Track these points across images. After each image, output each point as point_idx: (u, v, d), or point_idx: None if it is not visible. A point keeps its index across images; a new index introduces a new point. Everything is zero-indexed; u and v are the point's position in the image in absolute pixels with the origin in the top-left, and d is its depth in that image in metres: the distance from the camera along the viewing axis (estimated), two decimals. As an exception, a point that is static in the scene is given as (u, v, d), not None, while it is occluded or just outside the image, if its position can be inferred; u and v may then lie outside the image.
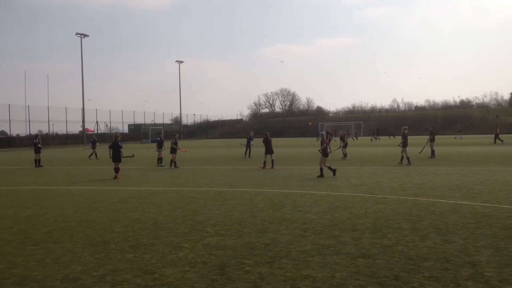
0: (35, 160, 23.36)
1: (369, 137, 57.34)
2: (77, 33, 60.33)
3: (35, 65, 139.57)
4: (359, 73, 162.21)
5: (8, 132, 57.18)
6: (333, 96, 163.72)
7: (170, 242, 6.72)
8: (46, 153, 29.41)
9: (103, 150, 26.54)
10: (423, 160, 21.12)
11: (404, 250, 5.97)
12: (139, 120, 79.35)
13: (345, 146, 24.40)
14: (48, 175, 18.77)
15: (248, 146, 27.17)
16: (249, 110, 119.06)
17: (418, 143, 30.61)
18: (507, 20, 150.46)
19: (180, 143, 23.97)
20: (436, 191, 11.27)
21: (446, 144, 37.70)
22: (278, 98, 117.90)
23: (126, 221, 8.35)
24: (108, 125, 72.20)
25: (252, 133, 28.63)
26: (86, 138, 58.67)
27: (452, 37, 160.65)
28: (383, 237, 6.72)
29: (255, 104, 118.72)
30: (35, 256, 6.14)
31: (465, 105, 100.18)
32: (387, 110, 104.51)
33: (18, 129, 58.98)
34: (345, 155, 23.98)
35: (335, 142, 36.16)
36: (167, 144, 22.47)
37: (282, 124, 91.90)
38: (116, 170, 16.77)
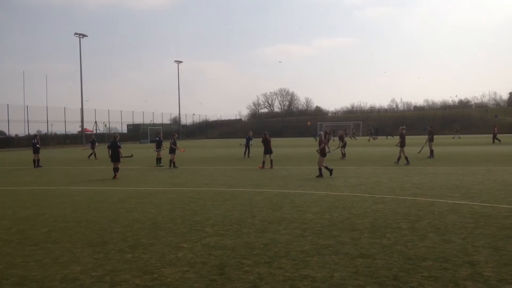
0: (34, 161, 23.32)
1: (367, 137, 57.36)
2: (75, 33, 60.36)
3: (34, 65, 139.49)
4: (358, 73, 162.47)
5: (6, 132, 57.16)
6: (332, 96, 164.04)
7: (169, 242, 6.72)
8: (45, 153, 29.41)
9: (102, 150, 26.52)
10: (422, 160, 21.14)
11: (403, 250, 5.98)
12: (138, 120, 79.40)
13: (344, 146, 24.41)
14: (47, 175, 18.75)
15: (247, 146, 27.19)
16: (248, 110, 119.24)
17: (417, 143, 30.65)
18: (505, 20, 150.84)
19: (179, 143, 23.96)
20: (435, 191, 11.29)
21: (444, 144, 37.73)
22: (277, 98, 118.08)
23: (125, 221, 8.35)
24: (107, 125, 72.20)
25: (251, 133, 28.63)
26: (85, 138, 58.63)
27: (451, 37, 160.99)
28: (382, 237, 6.73)
29: (254, 104, 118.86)
30: (34, 257, 6.13)
31: (463, 105, 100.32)
32: (386, 110, 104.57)
33: (17, 129, 59.08)
34: (343, 155, 24.00)
35: (334, 142, 36.20)
36: (166, 144, 22.46)
37: (281, 124, 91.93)
38: (115, 170, 16.76)
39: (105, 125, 71.69)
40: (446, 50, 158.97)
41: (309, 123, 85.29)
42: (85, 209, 9.88)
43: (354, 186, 12.56)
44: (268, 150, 19.43)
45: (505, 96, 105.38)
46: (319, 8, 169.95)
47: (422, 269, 5.18)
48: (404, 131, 20.00)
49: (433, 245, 6.21)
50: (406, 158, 19.21)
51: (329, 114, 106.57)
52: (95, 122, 68.44)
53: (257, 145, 27.02)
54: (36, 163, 23.18)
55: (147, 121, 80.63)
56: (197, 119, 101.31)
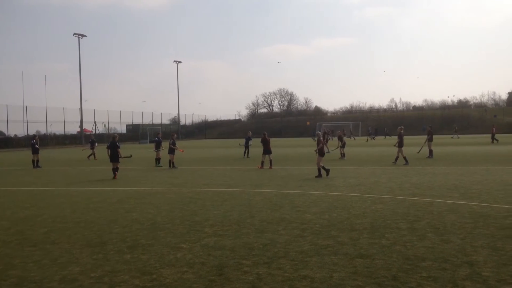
0: (33, 161, 23.30)
1: (365, 137, 57.41)
2: (74, 33, 60.35)
3: (33, 66, 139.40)
4: (357, 73, 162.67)
5: (6, 132, 57.08)
6: (331, 96, 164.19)
7: (168, 242, 6.72)
8: (44, 154, 29.39)
9: (102, 151, 26.51)
10: (421, 160, 21.15)
11: (402, 250, 5.98)
12: (137, 120, 79.39)
13: (343, 146, 24.42)
14: (46, 175, 18.74)
15: (246, 146, 27.18)
16: (247, 110, 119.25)
17: (416, 143, 30.67)
18: (505, 20, 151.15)
19: (178, 143, 23.95)
20: (434, 191, 11.29)
21: (444, 144, 37.77)
22: (276, 98, 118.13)
23: (124, 222, 8.34)
24: (106, 126, 72.17)
25: (251, 133, 28.64)
26: (84, 139, 58.59)
27: (450, 37, 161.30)
28: (381, 237, 6.73)
29: (253, 104, 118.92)
30: (33, 257, 6.12)
31: (463, 105, 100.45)
32: (385, 110, 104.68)
33: (16, 130, 58.99)
34: (343, 155, 24.00)
35: (332, 141, 36.18)
36: (165, 145, 22.45)
37: (280, 124, 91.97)
38: (115, 170, 16.75)
39: (104, 126, 71.72)
40: (445, 50, 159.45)
41: (308, 123, 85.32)
42: (84, 209, 9.87)
43: (353, 186, 12.56)
44: (267, 150, 19.42)
45: (504, 96, 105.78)
46: (318, 8, 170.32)
47: (421, 269, 5.18)
48: (402, 131, 19.93)
49: (432, 245, 6.21)
50: (404, 158, 19.19)
51: (328, 114, 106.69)
52: (94, 122, 68.46)
53: (256, 145, 27.02)
54: (35, 163, 23.16)
55: (146, 121, 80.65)
56: (196, 119, 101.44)
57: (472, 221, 7.69)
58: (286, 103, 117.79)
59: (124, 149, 21.65)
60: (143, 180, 15.70)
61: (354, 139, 57.28)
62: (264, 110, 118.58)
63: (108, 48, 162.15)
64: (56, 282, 5.09)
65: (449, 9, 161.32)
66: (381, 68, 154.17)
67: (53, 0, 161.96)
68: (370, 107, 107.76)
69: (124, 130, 76.85)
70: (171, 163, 20.52)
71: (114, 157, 16.91)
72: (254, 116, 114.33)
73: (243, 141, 28.74)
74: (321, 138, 16.27)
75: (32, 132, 55.35)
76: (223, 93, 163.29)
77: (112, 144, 17.22)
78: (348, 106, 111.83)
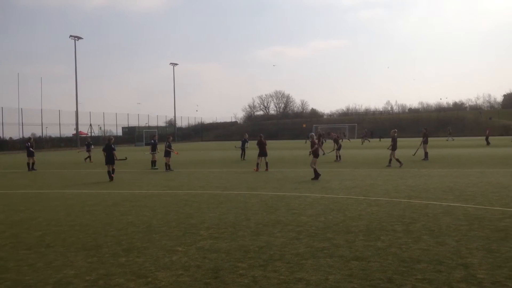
0: (28, 164, 23.18)
1: (360, 140, 57.52)
2: (71, 36, 60.10)
3: (29, 68, 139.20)
4: (353, 75, 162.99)
5: (1, 135, 56.75)
6: (327, 98, 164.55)
7: (164, 245, 6.70)
8: (39, 156, 29.22)
9: (98, 153, 26.43)
10: (416, 162, 21.21)
11: (397, 253, 6.00)
12: (133, 122, 79.08)
13: (338, 148, 24.45)
14: (41, 178, 18.65)
15: (243, 148, 27.17)
16: (244, 113, 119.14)
17: (411, 145, 30.77)
18: (500, 23, 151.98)
19: (175, 146, 23.90)
20: (429, 193, 11.33)
21: (439, 146, 37.90)
22: (273, 100, 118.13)
23: (119, 225, 8.31)
24: (102, 128, 71.96)
25: (247, 135, 28.61)
26: (79, 141, 58.40)
27: (446, 39, 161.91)
28: (377, 239, 6.74)
29: (249, 106, 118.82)
30: (28, 261, 6.09)
31: (458, 107, 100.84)
32: (381, 113, 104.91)
33: (11, 132, 58.56)
34: (338, 157, 24.02)
35: (326, 143, 36.21)
36: (161, 147, 22.41)
37: (276, 127, 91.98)
38: (111, 172, 16.70)
39: (100, 128, 71.49)
40: (441, 52, 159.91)
41: (304, 125, 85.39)
42: (79, 212, 9.84)
43: (349, 189, 12.58)
44: (263, 153, 19.43)
45: (500, 99, 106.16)
46: (314, 10, 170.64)
47: (416, 272, 5.20)
48: (395, 134, 19.96)
49: (427, 247, 6.23)
50: (397, 160, 19.24)
51: (325, 117, 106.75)
52: (90, 125, 68.19)
53: (253, 147, 27.01)
54: (31, 166, 23.04)
55: (142, 123, 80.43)
56: (192, 122, 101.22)
57: (467, 223, 7.71)
58: (283, 106, 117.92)
59: (120, 152, 21.60)
60: (139, 183, 15.66)
61: (349, 140, 57.45)
62: (261, 113, 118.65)
63: (104, 51, 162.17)
64: (50, 286, 5.07)
65: (443, 11, 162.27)
66: (377, 70, 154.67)
67: (50, 2, 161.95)
68: (366, 110, 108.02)
69: (120, 133, 76.58)
70: (167, 166, 20.48)
71: (110, 159, 16.87)
72: (250, 118, 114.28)
73: (239, 143, 28.73)
74: (315, 140, 16.27)
75: (27, 134, 55.00)
76: (220, 96, 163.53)
77: (107, 146, 17.17)
78: (344, 109, 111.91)
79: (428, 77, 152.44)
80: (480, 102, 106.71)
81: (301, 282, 4.96)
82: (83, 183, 16.12)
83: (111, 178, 16.49)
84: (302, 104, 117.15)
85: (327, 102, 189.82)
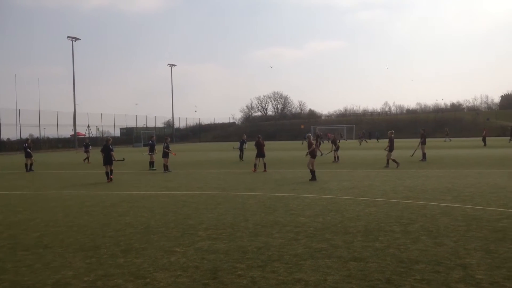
0: (26, 165, 23.12)
1: (358, 140, 57.60)
2: (68, 37, 60.01)
3: (26, 69, 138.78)
4: (351, 76, 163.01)
5: (-2, 136, 56.64)
6: (325, 99, 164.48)
7: (162, 246, 6.69)
8: (37, 157, 29.06)
9: (97, 154, 26.38)
10: (414, 163, 21.24)
11: (395, 253, 6.00)
12: (131, 123, 79.05)
13: (336, 149, 24.46)
14: (39, 179, 18.61)
15: (241, 149, 27.17)
16: (242, 114, 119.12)
17: (409, 146, 30.82)
18: (498, 24, 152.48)
19: (173, 147, 23.89)
20: (427, 194, 11.34)
21: (437, 147, 37.98)
22: (271, 101, 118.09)
23: (117, 226, 8.30)
24: (100, 129, 71.84)
25: (245, 136, 28.62)
26: (77, 142, 58.29)
27: (443, 40, 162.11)
28: (375, 240, 6.74)
29: (247, 107, 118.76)
30: (26, 262, 6.08)
31: (456, 108, 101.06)
32: (379, 113, 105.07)
33: (8, 133, 58.49)
34: (336, 158, 24.04)
35: (324, 144, 36.21)
36: (159, 148, 22.39)
37: (274, 128, 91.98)
38: (110, 173, 16.69)
39: (98, 129, 71.39)
40: (439, 54, 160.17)
41: (302, 126, 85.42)
42: (77, 213, 9.82)
43: (347, 189, 12.59)
44: (260, 154, 19.45)
45: (497, 100, 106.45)
46: (312, 11, 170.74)
47: (414, 272, 5.20)
48: (392, 135, 19.98)
49: (426, 248, 6.24)
50: (394, 161, 19.27)
51: (323, 118, 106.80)
52: (88, 125, 68.14)
53: (251, 148, 27.01)
54: (29, 167, 22.98)
55: (140, 124, 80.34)
56: (190, 123, 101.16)
57: (465, 224, 7.73)
58: (281, 107, 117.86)
59: (118, 153, 21.56)
60: (137, 184, 15.64)
61: (346, 140, 57.66)
62: (259, 114, 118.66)
63: (102, 51, 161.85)
64: (49, 287, 5.06)
65: (441, 12, 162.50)
66: (375, 71, 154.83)
67: (47, 3, 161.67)
68: (364, 111, 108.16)
69: (118, 134, 76.52)
70: (165, 167, 20.47)
71: (108, 160, 16.85)
72: (248, 119, 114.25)
73: (237, 144, 28.72)
74: (312, 141, 16.26)
75: (25, 135, 54.97)
76: (217, 97, 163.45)
77: (105, 147, 17.16)
78: (342, 109, 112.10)
79: (426, 78, 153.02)
80: (477, 103, 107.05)
81: (299, 282, 4.96)
82: (81, 184, 16.09)
83: (109, 179, 16.49)
84: (300, 105, 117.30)
85: (325, 103, 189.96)
